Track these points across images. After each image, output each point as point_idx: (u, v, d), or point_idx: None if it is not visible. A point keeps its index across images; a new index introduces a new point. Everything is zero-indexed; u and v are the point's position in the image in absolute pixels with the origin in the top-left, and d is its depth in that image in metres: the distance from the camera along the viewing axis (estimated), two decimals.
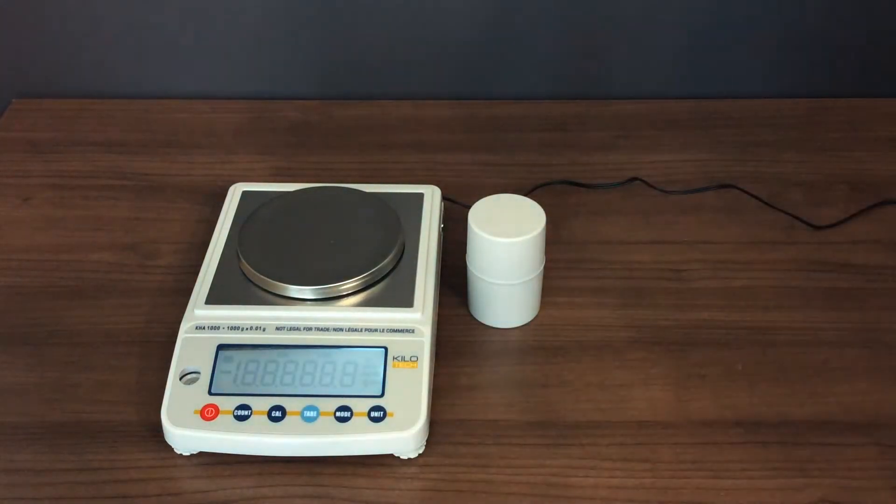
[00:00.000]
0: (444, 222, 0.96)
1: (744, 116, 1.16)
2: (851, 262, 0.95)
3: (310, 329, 0.81)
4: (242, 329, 0.81)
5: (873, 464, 0.77)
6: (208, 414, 0.76)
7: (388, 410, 0.76)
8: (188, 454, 0.77)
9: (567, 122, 1.16)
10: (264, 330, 0.81)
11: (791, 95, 1.20)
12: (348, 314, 0.82)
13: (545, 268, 0.88)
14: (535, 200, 0.86)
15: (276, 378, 0.78)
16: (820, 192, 1.04)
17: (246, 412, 0.76)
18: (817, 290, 0.92)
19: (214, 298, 0.83)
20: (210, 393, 0.77)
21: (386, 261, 0.85)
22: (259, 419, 0.75)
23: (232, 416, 0.76)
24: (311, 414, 0.75)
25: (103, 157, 1.10)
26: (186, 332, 0.81)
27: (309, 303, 0.83)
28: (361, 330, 0.81)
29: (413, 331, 0.81)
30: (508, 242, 0.83)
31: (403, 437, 0.75)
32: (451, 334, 0.88)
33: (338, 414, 0.75)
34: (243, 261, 0.85)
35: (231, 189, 0.96)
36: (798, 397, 0.82)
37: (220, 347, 0.79)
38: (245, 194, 0.95)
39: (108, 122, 1.16)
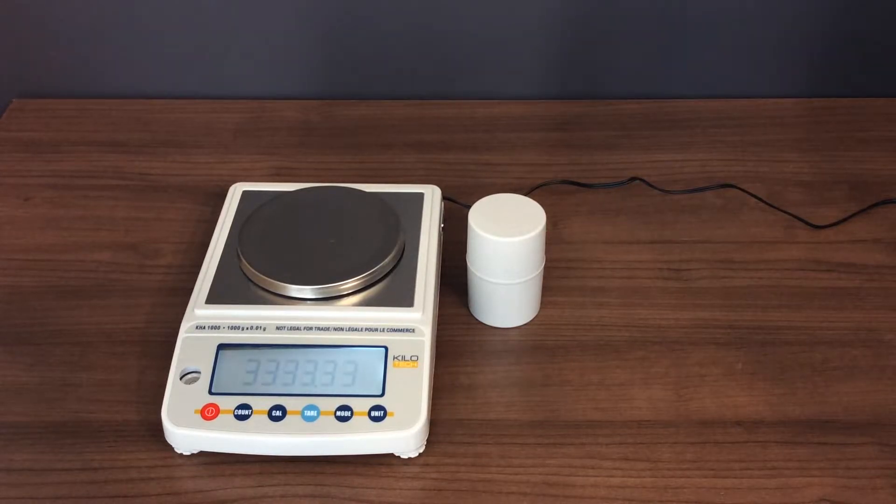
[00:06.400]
0: (444, 222, 0.96)
1: (744, 116, 1.16)
2: (851, 262, 0.95)
3: (310, 328, 0.81)
4: (243, 329, 0.81)
5: (873, 464, 0.77)
6: (209, 413, 0.76)
7: (388, 410, 0.76)
8: (188, 454, 0.77)
9: (567, 122, 1.16)
10: (264, 329, 0.81)
11: (791, 95, 1.20)
12: (348, 314, 0.82)
13: (545, 268, 0.88)
14: (535, 200, 0.86)
15: (276, 377, 0.78)
16: (820, 192, 1.04)
17: (246, 412, 0.76)
18: (817, 290, 0.92)
19: (215, 298, 0.83)
20: (210, 392, 0.77)
21: (386, 261, 0.85)
22: (259, 419, 0.75)
23: (232, 415, 0.76)
24: (312, 413, 0.76)
25: (103, 157, 1.10)
26: (187, 332, 0.81)
27: (309, 302, 0.83)
28: (362, 329, 0.81)
29: (413, 330, 0.81)
30: (508, 242, 0.83)
31: (404, 437, 0.75)
32: (451, 334, 0.88)
33: (338, 413, 0.75)
34: (243, 261, 0.85)
35: (231, 189, 0.96)
36: (798, 397, 0.82)
37: (221, 347, 0.79)
38: (245, 194, 0.95)
39: (108, 122, 1.16)
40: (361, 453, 0.76)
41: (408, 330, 0.81)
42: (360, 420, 0.75)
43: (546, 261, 0.87)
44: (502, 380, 0.84)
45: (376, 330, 0.80)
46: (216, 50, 1.19)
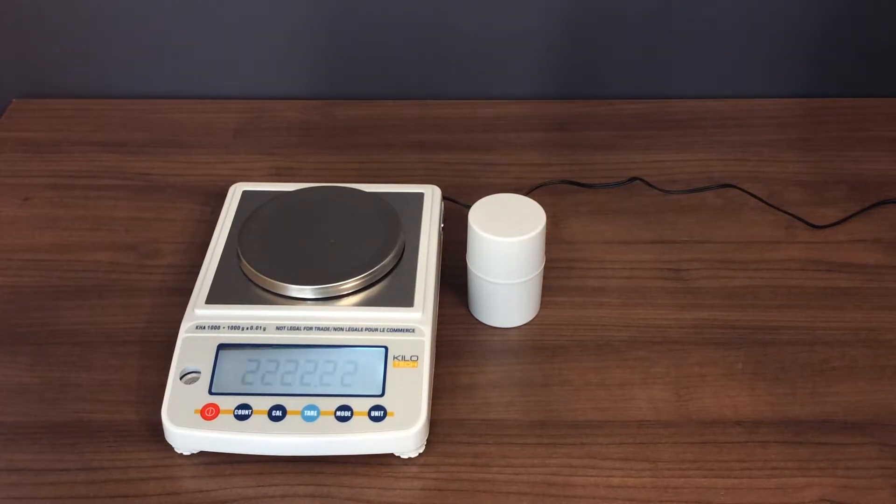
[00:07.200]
0: (444, 222, 0.96)
1: (744, 116, 1.16)
2: (851, 262, 0.95)
3: (310, 328, 0.81)
4: (243, 328, 0.81)
5: (873, 463, 0.77)
6: (209, 413, 0.76)
7: (388, 410, 0.76)
8: (189, 454, 0.77)
9: (567, 122, 1.16)
10: (264, 329, 0.81)
11: (791, 95, 1.20)
12: (348, 314, 0.82)
13: (545, 268, 0.88)
14: (535, 200, 0.86)
15: (276, 377, 0.78)
16: (820, 192, 1.04)
17: (246, 412, 0.76)
18: (817, 290, 0.92)
19: (215, 298, 0.83)
20: (210, 392, 0.77)
21: (386, 261, 0.85)
22: (259, 419, 0.75)
23: (232, 415, 0.76)
24: (312, 413, 0.76)
25: (103, 157, 1.10)
26: (187, 332, 0.81)
27: (309, 302, 0.83)
28: (362, 329, 0.81)
29: (413, 330, 0.81)
30: (508, 242, 0.83)
31: (404, 437, 0.75)
32: (451, 334, 0.88)
33: (338, 413, 0.75)
34: (243, 260, 0.85)
35: (231, 189, 0.96)
36: (798, 397, 0.82)
37: (221, 347, 0.79)
38: (245, 194, 0.95)
39: (108, 122, 1.16)
40: (361, 453, 0.76)
41: (408, 330, 0.81)
42: (360, 420, 0.75)
43: (546, 261, 0.87)
44: (502, 380, 0.84)
45: (376, 330, 0.80)
46: (216, 50, 1.19)
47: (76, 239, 0.99)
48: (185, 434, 0.76)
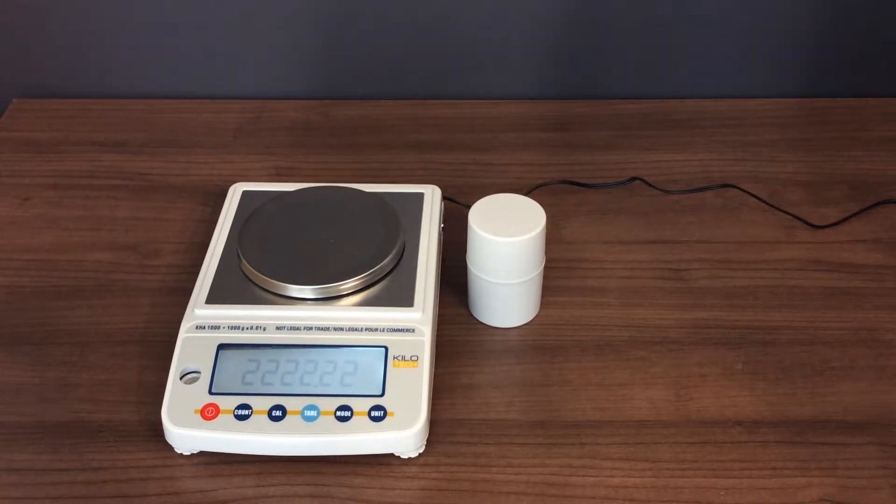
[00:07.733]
0: (444, 222, 0.96)
1: (744, 116, 1.16)
2: (851, 262, 0.95)
3: (310, 328, 0.81)
4: (243, 328, 0.81)
5: (873, 463, 0.77)
6: (209, 413, 0.76)
7: (388, 410, 0.76)
8: (188, 454, 0.77)
9: (567, 122, 1.16)
10: (264, 329, 0.81)
11: (791, 95, 1.20)
12: (348, 314, 0.82)
13: (545, 268, 0.88)
14: (535, 200, 0.86)
15: (276, 377, 0.78)
16: (820, 192, 1.04)
17: (246, 412, 0.76)
18: (817, 290, 0.92)
19: (215, 298, 0.83)
20: (210, 392, 0.77)
21: (386, 260, 0.85)
22: (259, 419, 0.75)
23: (232, 415, 0.76)
24: (312, 413, 0.76)
25: (103, 157, 1.10)
26: (187, 332, 0.81)
27: (309, 302, 0.83)
28: (362, 329, 0.81)
29: (413, 330, 0.81)
30: (508, 242, 0.83)
31: (404, 437, 0.75)
32: (451, 334, 0.88)
33: (338, 413, 0.75)
34: (243, 260, 0.85)
35: (231, 189, 0.96)
36: (798, 397, 0.82)
37: (221, 347, 0.79)
38: (245, 194, 0.95)
39: (108, 122, 1.16)
40: (361, 453, 0.76)
41: (408, 330, 0.81)
42: (360, 420, 0.75)
43: (546, 261, 0.87)
44: (502, 380, 0.84)
45: (376, 330, 0.80)
46: (216, 50, 1.19)
47: (76, 239, 0.99)
48: (185, 434, 0.76)
